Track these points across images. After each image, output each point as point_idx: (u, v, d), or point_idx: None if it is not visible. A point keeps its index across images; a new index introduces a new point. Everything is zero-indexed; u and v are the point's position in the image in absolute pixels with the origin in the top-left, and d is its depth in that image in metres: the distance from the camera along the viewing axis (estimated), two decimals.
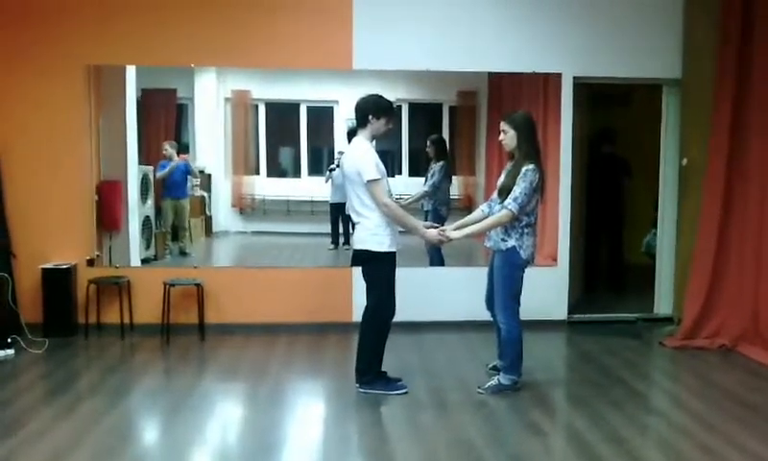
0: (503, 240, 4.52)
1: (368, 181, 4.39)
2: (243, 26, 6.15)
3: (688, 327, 5.97)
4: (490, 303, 4.82)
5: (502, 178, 4.61)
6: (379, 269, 4.56)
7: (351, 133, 4.86)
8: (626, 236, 8.14)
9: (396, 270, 4.64)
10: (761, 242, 5.71)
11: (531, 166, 4.41)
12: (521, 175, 4.40)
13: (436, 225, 4.86)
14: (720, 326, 5.94)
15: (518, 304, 4.62)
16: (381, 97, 4.57)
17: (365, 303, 4.67)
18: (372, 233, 4.50)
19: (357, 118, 4.57)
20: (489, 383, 4.69)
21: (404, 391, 4.65)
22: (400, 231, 4.63)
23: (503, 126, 4.55)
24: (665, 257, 6.76)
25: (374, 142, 4.61)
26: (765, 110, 5.67)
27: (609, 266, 8.07)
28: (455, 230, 4.74)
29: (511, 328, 4.59)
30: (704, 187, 6.08)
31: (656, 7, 6.39)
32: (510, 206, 4.40)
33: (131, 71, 6.69)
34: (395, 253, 4.58)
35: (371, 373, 4.67)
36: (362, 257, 4.59)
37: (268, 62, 6.37)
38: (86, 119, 6.13)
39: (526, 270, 4.61)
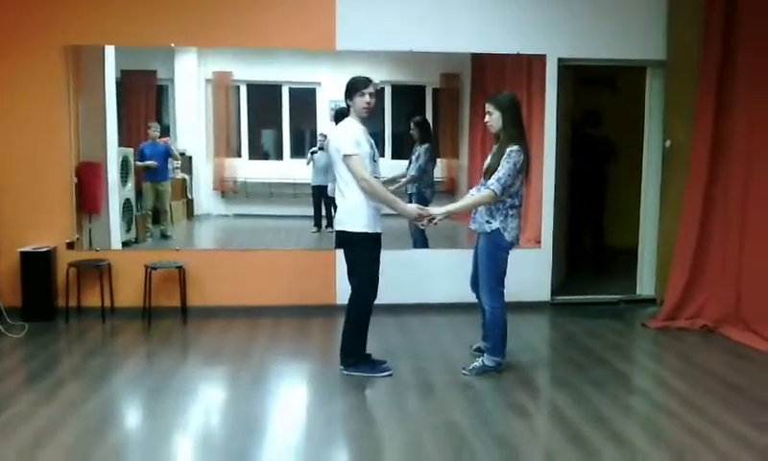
0: (487, 222, 4.51)
1: (344, 156, 4.38)
2: (224, 5, 6.06)
3: (670, 309, 6.02)
4: (475, 285, 4.81)
5: (488, 159, 4.59)
6: (359, 251, 4.53)
7: (339, 115, 4.81)
8: (609, 219, 8.16)
9: (381, 252, 4.61)
10: (744, 225, 5.75)
11: (515, 148, 4.40)
12: (506, 156, 4.39)
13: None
14: (702, 307, 5.98)
15: (503, 287, 4.62)
16: (351, 79, 4.56)
17: (349, 286, 4.65)
18: (350, 214, 4.47)
19: (345, 104, 4.60)
20: (473, 365, 4.70)
21: (389, 373, 4.65)
22: (385, 214, 4.60)
23: (488, 107, 4.53)
24: (648, 239, 6.79)
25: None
26: (749, 92, 5.68)
27: (590, 248, 8.10)
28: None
29: (495, 310, 4.59)
30: (688, 170, 6.10)
31: None
32: (492, 187, 4.38)
33: (110, 52, 6.57)
34: (377, 235, 4.55)
35: (355, 355, 4.66)
36: (342, 239, 4.57)
37: (250, 42, 6.27)
38: (65, 100, 6.03)
39: (510, 252, 4.61)
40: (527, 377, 4.69)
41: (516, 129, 4.48)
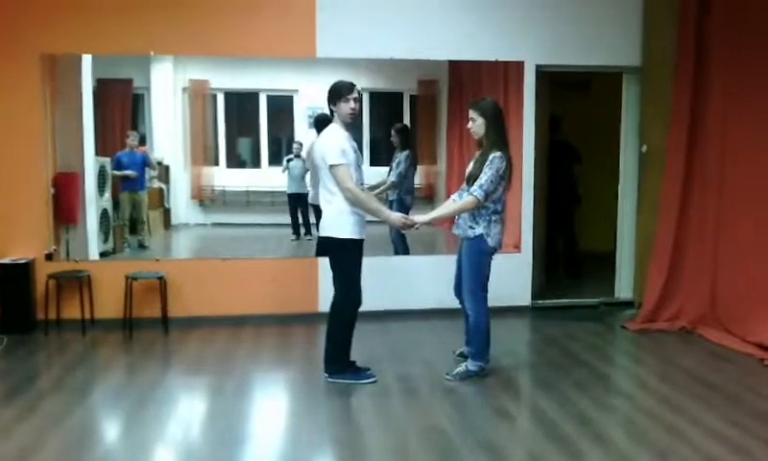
0: (471, 228, 4.54)
1: (330, 166, 4.38)
2: (202, 13, 6.03)
3: (649, 311, 6.10)
4: (458, 291, 4.84)
5: (470, 166, 4.63)
6: (342, 257, 4.54)
7: (318, 122, 4.80)
8: (586, 223, 8.24)
9: (363, 259, 4.63)
10: (719, 228, 5.85)
11: (498, 154, 4.44)
12: (488, 162, 4.43)
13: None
14: (680, 309, 6.08)
15: (486, 291, 4.65)
16: (334, 83, 4.55)
17: (332, 293, 4.65)
18: (333, 220, 4.48)
19: (329, 110, 4.60)
20: (457, 370, 4.72)
21: (373, 380, 4.65)
22: (369, 221, 4.61)
23: (472, 114, 4.57)
24: (626, 242, 6.87)
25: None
26: (723, 97, 5.79)
27: (564, 253, 8.16)
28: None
29: (478, 316, 4.62)
30: (664, 174, 6.19)
31: None
32: (475, 193, 4.42)
33: (86, 60, 6.53)
34: (360, 241, 4.56)
35: (339, 362, 4.66)
36: (326, 245, 4.57)
37: (230, 51, 6.25)
38: (41, 110, 5.96)
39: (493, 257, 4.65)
40: (510, 381, 4.73)
41: (499, 135, 4.51)
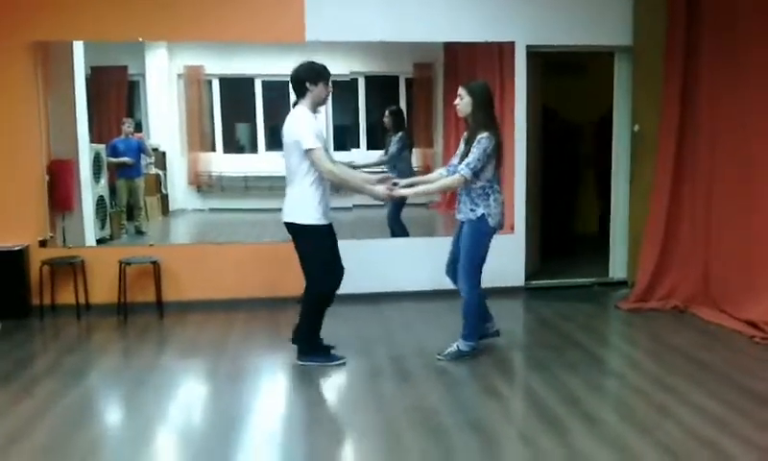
0: (472, 210, 4.55)
1: (306, 150, 4.30)
2: None
3: (642, 290, 6.12)
4: (450, 270, 4.85)
5: (461, 146, 4.64)
6: (309, 243, 4.48)
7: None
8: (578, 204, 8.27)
9: (340, 242, 4.64)
10: (711, 207, 5.86)
11: (485, 134, 4.45)
12: (476, 142, 4.44)
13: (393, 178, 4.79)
14: (672, 288, 6.09)
15: (480, 273, 4.67)
16: (314, 63, 4.49)
17: None
18: (297, 205, 4.43)
19: (295, 88, 4.47)
20: (448, 350, 4.75)
21: (342, 361, 4.67)
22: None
23: (460, 91, 4.57)
24: (619, 222, 6.87)
25: (322, 114, 4.52)
26: (714, 78, 5.78)
27: (558, 233, 8.18)
28: (407, 186, 4.75)
29: (472, 297, 4.64)
30: (656, 154, 6.19)
31: None
32: (462, 171, 4.44)
33: (78, 47, 6.52)
34: (324, 226, 4.50)
35: (309, 344, 4.66)
36: (290, 231, 4.51)
37: (218, 36, 6.26)
38: (34, 97, 5.98)
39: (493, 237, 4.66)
40: (502, 361, 4.76)
41: (484, 115, 4.51)
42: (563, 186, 8.24)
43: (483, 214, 4.54)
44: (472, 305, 4.67)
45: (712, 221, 5.85)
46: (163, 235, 9.01)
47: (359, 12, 6.20)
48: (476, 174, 4.45)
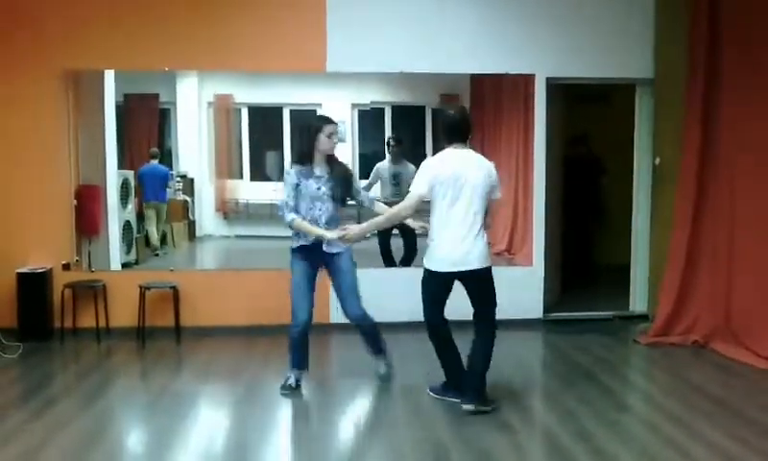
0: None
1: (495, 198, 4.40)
2: (217, 30, 6.15)
3: (662, 324, 6.01)
4: None
5: None
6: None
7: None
8: (600, 236, 8.20)
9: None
10: (733, 240, 5.76)
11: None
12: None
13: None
14: (693, 322, 5.98)
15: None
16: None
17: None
18: (487, 250, 4.39)
19: (465, 134, 4.50)
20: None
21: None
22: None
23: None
24: (640, 255, 6.79)
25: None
26: (734, 109, 5.72)
27: (579, 265, 8.10)
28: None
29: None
30: (677, 186, 6.13)
31: (627, 7, 6.44)
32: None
33: (109, 76, 6.72)
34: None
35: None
36: (484, 274, 4.40)
37: (242, 66, 6.40)
38: (65, 123, 6.13)
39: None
40: (515, 394, 4.68)
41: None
42: (586, 217, 8.18)
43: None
44: None
45: (735, 254, 5.75)
46: (189, 261, 9.16)
47: (380, 43, 6.26)
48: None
